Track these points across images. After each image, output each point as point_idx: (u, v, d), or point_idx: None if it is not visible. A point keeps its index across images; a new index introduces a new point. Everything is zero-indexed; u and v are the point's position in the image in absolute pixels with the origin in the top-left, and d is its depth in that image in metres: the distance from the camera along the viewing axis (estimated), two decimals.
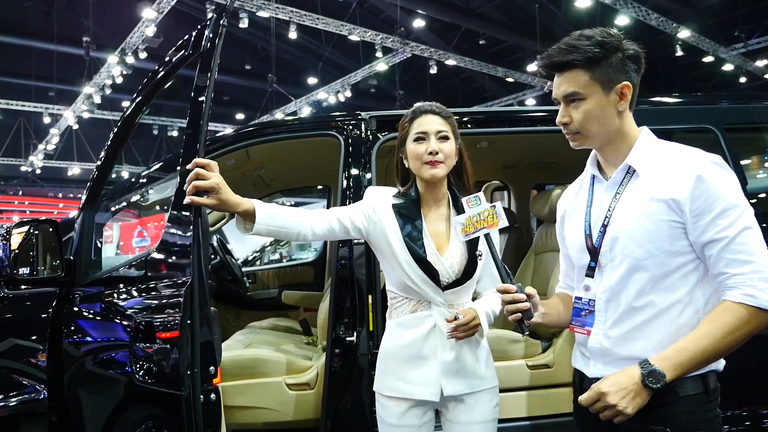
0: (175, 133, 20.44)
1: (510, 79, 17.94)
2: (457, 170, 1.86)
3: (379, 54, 14.95)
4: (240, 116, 24.34)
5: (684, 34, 14.57)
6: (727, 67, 17.10)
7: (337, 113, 2.69)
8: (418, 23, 16.12)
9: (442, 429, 1.83)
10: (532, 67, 18.99)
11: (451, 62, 16.22)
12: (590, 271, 1.51)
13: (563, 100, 1.49)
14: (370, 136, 2.46)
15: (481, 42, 19.10)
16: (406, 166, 1.85)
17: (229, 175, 3.02)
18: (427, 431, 1.79)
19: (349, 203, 2.18)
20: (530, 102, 19.75)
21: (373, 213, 1.80)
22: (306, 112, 18.15)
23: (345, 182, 2.38)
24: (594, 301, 1.49)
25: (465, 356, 1.75)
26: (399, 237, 1.77)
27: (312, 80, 21.24)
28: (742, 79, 17.92)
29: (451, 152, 1.80)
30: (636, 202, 1.42)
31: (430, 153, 1.76)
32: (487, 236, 1.59)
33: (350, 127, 2.47)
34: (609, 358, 1.44)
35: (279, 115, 18.89)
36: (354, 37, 14.68)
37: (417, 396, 1.74)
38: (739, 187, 1.36)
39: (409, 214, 1.80)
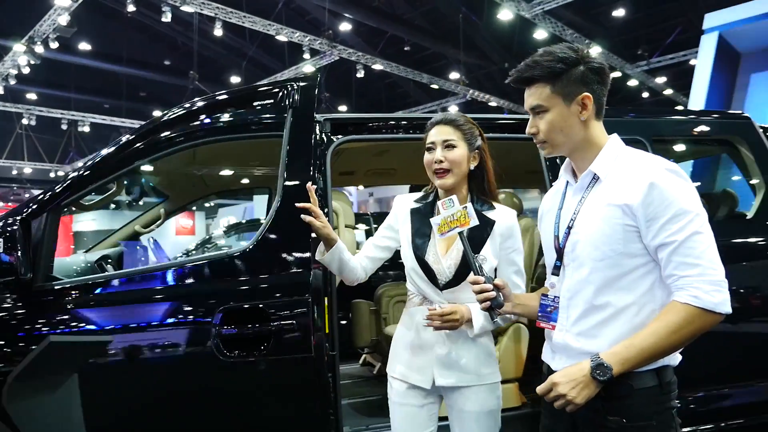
0: (86, 129, 19.26)
1: (435, 86, 18.30)
2: (476, 175, 1.95)
3: (306, 56, 14.82)
4: (157, 113, 23.38)
5: (595, 50, 15.45)
6: (632, 82, 18.34)
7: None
8: (345, 27, 16.16)
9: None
10: (454, 75, 19.57)
11: (378, 67, 16.34)
12: (556, 270, 1.62)
13: (531, 112, 1.60)
14: (325, 139, 2.46)
15: (406, 48, 19.43)
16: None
17: (172, 175, 2.92)
18: (428, 412, 1.90)
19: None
20: (453, 109, 20.25)
21: (395, 222, 2.02)
22: None
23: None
24: (558, 298, 1.60)
25: (459, 352, 1.86)
26: (409, 238, 1.94)
27: (235, 79, 20.74)
28: (645, 94, 19.31)
29: (458, 159, 1.90)
30: (596, 206, 1.53)
31: (436, 162, 1.89)
32: (461, 234, 1.69)
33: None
34: (571, 353, 1.54)
35: None
36: (281, 38, 14.50)
37: (412, 381, 1.89)
38: (693, 193, 1.47)
39: (422, 217, 1.95)
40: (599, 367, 1.39)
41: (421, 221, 1.96)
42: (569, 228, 1.58)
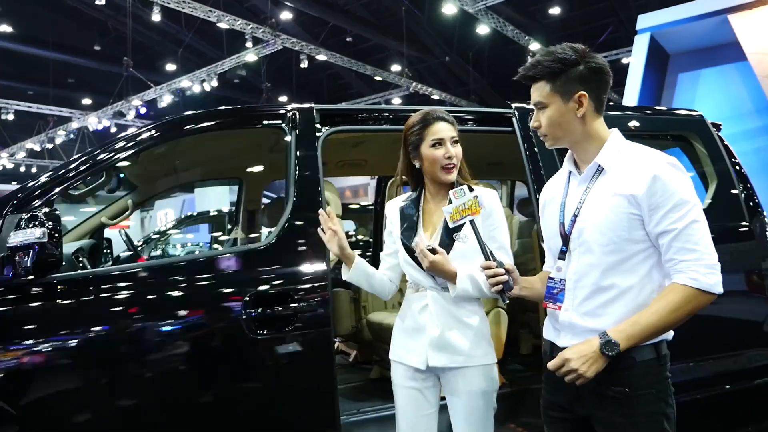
0: (10, 117, 18.12)
1: (378, 78, 18.34)
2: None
3: (249, 44, 14.50)
4: (87, 101, 22.28)
5: (535, 46, 15.95)
6: None
7: (278, 105, 2.66)
8: (286, 15, 15.91)
9: None
10: (395, 67, 19.69)
11: (321, 57, 16.21)
12: (562, 255, 1.73)
13: (534, 107, 1.71)
14: (314, 129, 2.48)
15: (348, 39, 19.38)
16: (417, 166, 2.06)
17: (143, 166, 2.86)
18: (429, 394, 1.99)
19: (297, 192, 2.27)
20: (396, 101, 20.37)
21: (390, 224, 2.15)
22: (168, 100, 17.06)
23: (296, 173, 2.38)
24: (564, 281, 1.71)
25: (451, 335, 1.94)
26: (399, 232, 2.05)
27: (170, 66, 20.06)
28: None
29: (461, 154, 2.03)
30: (602, 196, 1.65)
31: (448, 157, 1.97)
32: (472, 222, 1.78)
33: (298, 118, 2.47)
34: (576, 331, 1.65)
35: (136, 101, 17.54)
36: (223, 25, 14.13)
37: (408, 362, 1.98)
38: (690, 185, 1.62)
39: (408, 211, 2.08)
40: (608, 343, 1.51)
41: (407, 217, 2.08)
42: (575, 216, 1.69)
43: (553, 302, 1.72)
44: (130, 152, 2.27)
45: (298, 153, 2.40)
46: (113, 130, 21.46)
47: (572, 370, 1.51)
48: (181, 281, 2.13)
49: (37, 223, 1.78)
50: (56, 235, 1.81)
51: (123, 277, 2.13)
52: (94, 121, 18.96)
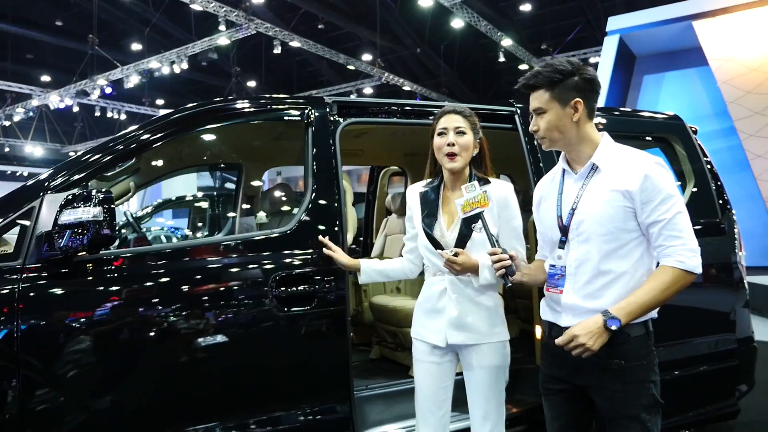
0: None
1: (351, 67, 18.34)
2: (477, 160, 2.19)
3: (222, 27, 14.31)
4: (46, 78, 21.56)
5: (507, 42, 16.24)
6: None
7: (296, 96, 2.76)
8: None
9: None
10: (366, 57, 19.73)
11: (295, 44, 16.13)
12: (562, 245, 1.92)
13: (534, 113, 1.90)
14: (332, 120, 2.60)
15: (319, 26, 19.29)
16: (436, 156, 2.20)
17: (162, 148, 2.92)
18: (446, 368, 2.16)
19: (314, 181, 2.42)
20: (367, 91, 20.43)
21: (410, 210, 2.26)
22: (135, 81, 16.69)
23: (314, 163, 2.49)
24: (565, 267, 1.90)
25: (468, 314, 2.11)
26: (419, 217, 2.19)
27: (136, 46, 19.60)
28: None
29: (467, 145, 2.14)
30: (599, 191, 1.85)
31: (449, 145, 2.10)
32: (481, 214, 1.97)
33: (315, 110, 2.58)
34: (577, 312, 1.85)
35: (102, 81, 17.09)
36: (196, 7, 13.90)
37: (429, 340, 2.14)
38: (673, 181, 1.85)
39: (429, 198, 2.21)
40: (611, 320, 1.70)
41: (428, 203, 2.20)
42: (573, 209, 1.89)
43: (554, 287, 1.91)
44: (164, 135, 2.35)
45: (316, 143, 2.52)
46: (75, 109, 20.88)
47: (580, 344, 1.69)
48: (219, 260, 2.26)
49: (91, 202, 1.87)
50: (111, 213, 1.91)
51: (169, 255, 2.26)
52: (55, 99, 18.40)
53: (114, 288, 2.07)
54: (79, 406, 1.99)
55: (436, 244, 2.14)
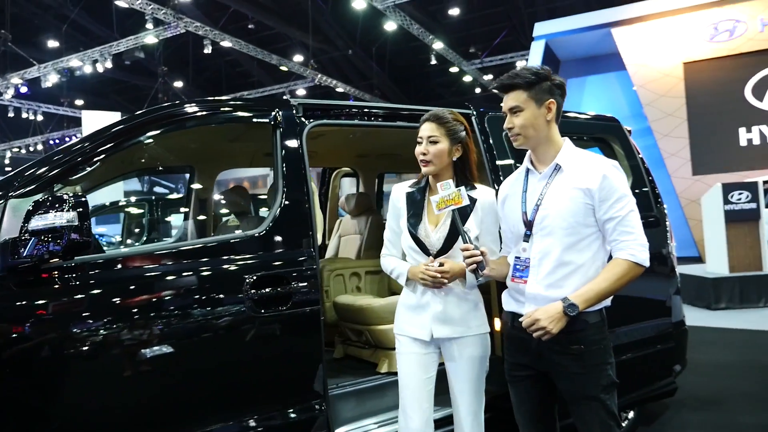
0: None
1: (284, 68, 18.15)
2: (459, 163, 2.28)
3: (149, 25, 13.83)
4: None
5: (438, 45, 16.59)
6: (467, 78, 19.98)
7: (261, 98, 2.76)
8: None
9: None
10: (297, 58, 19.59)
11: (227, 44, 15.77)
12: (526, 238, 2.06)
13: (509, 112, 2.04)
14: (298, 122, 2.61)
15: (249, 26, 18.97)
16: None
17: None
18: (429, 359, 2.23)
19: (285, 182, 2.44)
20: (300, 92, 20.29)
21: (395, 209, 2.33)
22: (53, 80, 15.82)
23: (283, 164, 2.50)
24: (529, 259, 2.04)
25: (452, 308, 2.20)
26: (405, 218, 2.26)
27: (53, 43, 18.59)
28: (477, 90, 21.15)
29: (438, 152, 2.23)
30: (562, 189, 2.00)
31: (423, 153, 2.22)
32: (453, 211, 2.08)
33: (282, 111, 2.58)
34: (539, 300, 1.98)
35: (16, 79, 16.09)
36: (122, 3, 13.37)
37: (414, 335, 2.21)
38: (626, 182, 2.02)
39: (415, 199, 2.29)
40: (570, 306, 1.85)
41: (414, 203, 2.27)
42: (537, 206, 2.04)
43: (519, 278, 2.06)
44: (137, 134, 2.29)
45: (284, 145, 2.53)
46: None
47: (541, 327, 1.84)
48: (195, 263, 2.23)
49: (65, 206, 1.80)
50: (86, 218, 1.85)
51: (141, 258, 2.20)
52: None
53: (89, 295, 2.00)
54: (54, 419, 1.92)
55: (420, 245, 2.21)
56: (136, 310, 2.05)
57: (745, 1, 11.62)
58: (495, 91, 2.11)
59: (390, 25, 15.25)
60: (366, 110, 2.90)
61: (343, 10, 17.77)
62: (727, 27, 11.66)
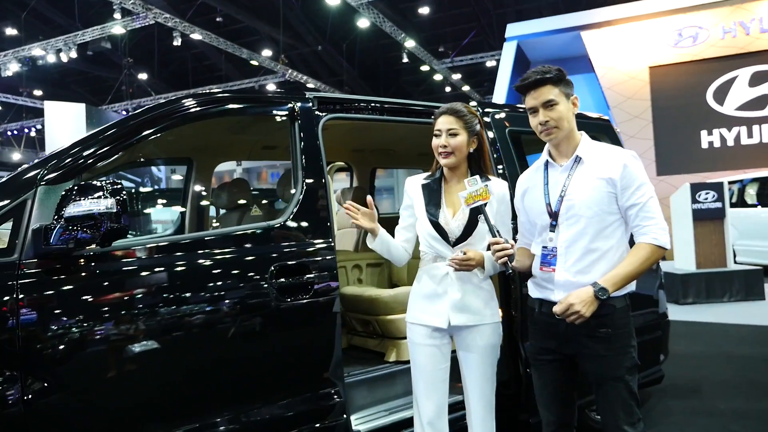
0: None
1: (255, 63, 17.96)
2: (474, 155, 2.35)
3: (117, 15, 13.50)
4: None
5: (410, 43, 16.69)
6: (438, 77, 20.14)
7: (279, 90, 2.78)
8: None
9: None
10: (266, 52, 19.41)
11: (196, 36, 15.52)
12: (552, 228, 2.15)
13: (542, 106, 2.11)
14: (315, 114, 2.65)
15: (218, 19, 18.70)
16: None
17: None
18: (444, 350, 2.28)
19: (304, 173, 2.49)
20: (271, 87, 20.11)
21: (409, 199, 2.38)
22: (15, 68, 15.29)
23: (302, 156, 2.53)
24: (556, 248, 2.13)
25: (469, 297, 2.25)
26: (423, 207, 2.30)
27: (11, 31, 17.94)
28: (447, 89, 21.36)
29: (459, 145, 2.28)
30: (585, 179, 2.10)
31: (442, 146, 2.27)
32: (482, 206, 2.13)
33: (300, 104, 2.61)
34: (569, 287, 2.07)
35: None
36: None
37: (431, 323, 2.24)
38: (644, 170, 2.12)
39: (431, 189, 2.33)
40: (601, 290, 1.94)
41: (431, 194, 2.32)
42: (561, 196, 2.12)
43: (547, 266, 2.15)
44: (169, 123, 2.29)
45: (303, 137, 2.56)
46: None
47: (575, 311, 1.92)
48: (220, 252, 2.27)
49: (102, 193, 1.80)
50: (124, 205, 1.84)
51: (180, 247, 2.22)
52: None
53: (125, 282, 2.02)
54: (87, 406, 1.91)
55: (441, 231, 2.27)
56: (166, 297, 2.08)
57: (707, 9, 12.09)
58: (519, 89, 2.16)
59: (363, 22, 15.26)
60: (378, 105, 2.95)
61: (313, 5, 17.69)
62: (691, 33, 12.12)
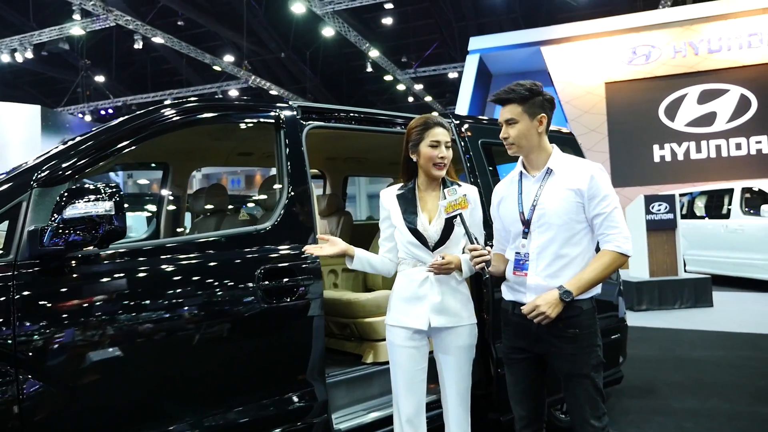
0: None
1: (217, 68, 17.79)
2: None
3: (77, 16, 13.22)
4: None
5: (374, 53, 16.85)
6: (401, 87, 20.37)
7: (262, 100, 2.85)
8: None
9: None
10: (228, 58, 19.27)
11: (158, 40, 15.31)
12: (525, 235, 2.30)
13: (505, 123, 2.27)
14: (300, 123, 2.73)
15: (179, 23, 18.47)
16: (414, 161, 2.43)
17: None
18: (423, 351, 2.38)
19: (289, 180, 2.58)
20: (233, 93, 19.93)
21: (385, 210, 2.48)
22: None
23: (288, 163, 2.61)
24: (528, 254, 2.28)
25: (448, 299, 2.36)
26: (400, 216, 2.41)
27: None
28: (410, 99, 21.61)
29: (451, 157, 2.43)
30: (555, 190, 2.25)
31: (441, 157, 2.38)
32: (461, 215, 2.26)
33: (284, 112, 2.68)
34: (539, 290, 2.22)
35: None
36: None
37: (412, 325, 2.34)
38: (610, 182, 2.29)
39: (407, 198, 2.44)
40: (565, 293, 2.09)
41: (407, 202, 2.43)
42: (533, 205, 2.28)
43: (520, 271, 2.30)
44: (159, 127, 2.34)
45: (288, 144, 2.64)
46: None
47: (541, 312, 2.08)
48: (211, 255, 2.34)
49: (100, 196, 1.84)
50: (122, 207, 1.89)
51: (162, 250, 2.26)
52: None
53: (120, 283, 2.06)
54: (83, 407, 1.94)
55: (420, 237, 2.38)
56: (161, 300, 2.14)
57: (660, 29, 12.69)
58: (493, 102, 2.35)
59: (327, 31, 15.35)
60: (360, 115, 3.05)
61: (277, 12, 17.67)
62: (644, 52, 12.69)
